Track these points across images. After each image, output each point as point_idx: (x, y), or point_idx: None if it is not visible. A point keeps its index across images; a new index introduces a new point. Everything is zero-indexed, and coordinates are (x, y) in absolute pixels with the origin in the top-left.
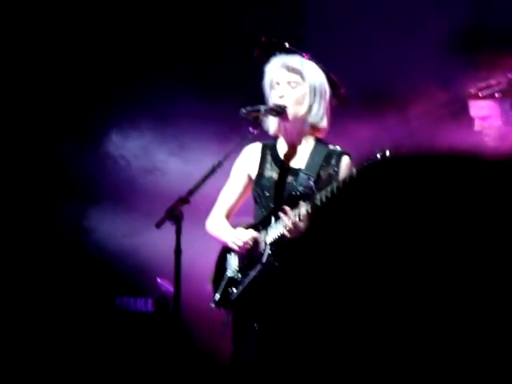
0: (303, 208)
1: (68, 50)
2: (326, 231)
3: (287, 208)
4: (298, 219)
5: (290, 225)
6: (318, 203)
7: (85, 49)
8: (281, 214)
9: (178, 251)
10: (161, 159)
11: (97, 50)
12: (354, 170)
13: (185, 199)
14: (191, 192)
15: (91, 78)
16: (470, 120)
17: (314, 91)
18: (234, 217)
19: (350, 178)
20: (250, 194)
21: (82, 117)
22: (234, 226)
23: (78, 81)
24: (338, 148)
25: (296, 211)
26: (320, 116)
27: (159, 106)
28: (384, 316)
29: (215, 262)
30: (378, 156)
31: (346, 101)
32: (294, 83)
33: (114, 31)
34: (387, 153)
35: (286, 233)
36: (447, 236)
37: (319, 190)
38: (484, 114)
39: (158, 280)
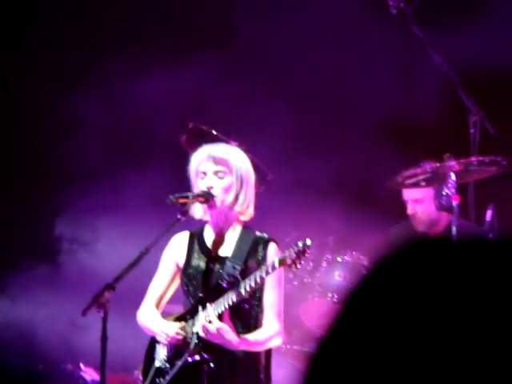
0: (228, 298)
1: None
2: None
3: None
4: (214, 319)
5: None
6: (243, 292)
7: None
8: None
9: (104, 338)
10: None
11: None
12: (277, 259)
13: (111, 286)
14: (118, 279)
15: None
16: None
17: (240, 180)
18: (166, 305)
19: (273, 267)
20: (179, 282)
21: None
22: (166, 314)
23: None
24: (265, 235)
25: (220, 304)
26: (247, 204)
27: None
28: None
29: (145, 351)
30: (300, 245)
31: (273, 186)
32: (222, 173)
33: None
34: (308, 242)
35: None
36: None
37: (244, 278)
38: (417, 197)
39: (82, 367)
